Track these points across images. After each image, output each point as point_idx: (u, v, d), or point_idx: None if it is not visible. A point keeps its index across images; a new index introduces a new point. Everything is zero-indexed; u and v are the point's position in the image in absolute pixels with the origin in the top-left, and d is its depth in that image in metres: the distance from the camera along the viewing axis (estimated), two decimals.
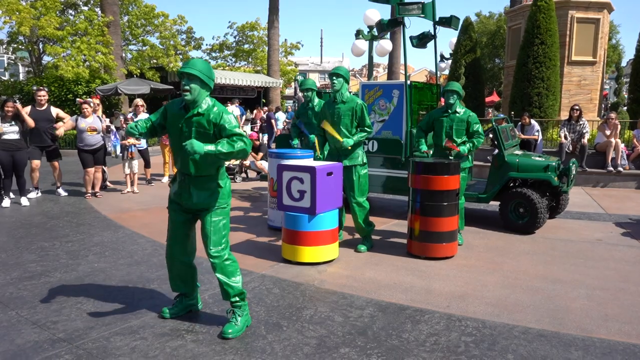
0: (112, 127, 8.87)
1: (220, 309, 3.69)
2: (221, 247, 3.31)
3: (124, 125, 8.75)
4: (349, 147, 5.13)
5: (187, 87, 3.10)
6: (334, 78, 5.16)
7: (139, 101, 9.71)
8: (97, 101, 9.03)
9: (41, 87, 8.23)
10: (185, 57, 26.97)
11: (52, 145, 8.04)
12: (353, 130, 5.19)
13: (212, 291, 4.03)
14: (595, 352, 3.13)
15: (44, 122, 7.87)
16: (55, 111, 8.14)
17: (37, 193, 8.21)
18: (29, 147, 7.62)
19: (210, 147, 2.99)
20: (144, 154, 9.34)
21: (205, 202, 3.29)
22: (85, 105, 8.02)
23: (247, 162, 10.45)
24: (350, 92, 5.39)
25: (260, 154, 10.53)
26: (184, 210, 3.38)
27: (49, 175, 8.25)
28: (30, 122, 7.49)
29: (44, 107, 8.00)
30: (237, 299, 3.36)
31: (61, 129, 7.87)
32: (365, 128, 5.20)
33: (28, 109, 7.86)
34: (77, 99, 9.03)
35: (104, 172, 8.71)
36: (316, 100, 6.28)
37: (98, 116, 8.32)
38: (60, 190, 8.37)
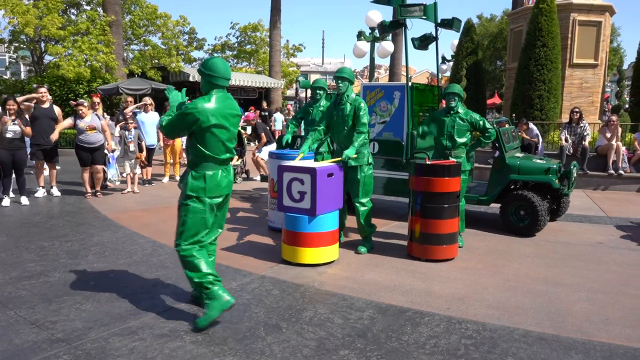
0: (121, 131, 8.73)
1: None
2: (178, 240, 3.52)
3: (129, 126, 8.67)
4: (354, 156, 4.97)
5: None
6: (339, 81, 5.18)
7: (148, 99, 9.74)
8: (97, 100, 8.99)
9: (41, 85, 8.24)
10: (187, 57, 26.95)
11: (49, 144, 7.97)
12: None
13: None
14: (596, 355, 3.11)
15: (47, 120, 7.87)
16: (57, 110, 8.15)
17: (44, 192, 8.21)
18: (32, 149, 7.62)
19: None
20: (149, 153, 9.35)
21: (180, 185, 3.60)
22: (80, 107, 7.95)
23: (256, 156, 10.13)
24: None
25: (253, 147, 10.26)
26: None
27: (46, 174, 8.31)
28: (27, 106, 7.72)
29: (46, 105, 8.01)
30: (196, 290, 3.53)
31: (55, 133, 7.82)
32: (359, 128, 5.02)
33: (32, 104, 7.89)
34: (71, 102, 8.99)
35: (104, 171, 8.69)
36: (323, 102, 6.40)
37: (97, 114, 8.28)
38: (54, 190, 8.32)
